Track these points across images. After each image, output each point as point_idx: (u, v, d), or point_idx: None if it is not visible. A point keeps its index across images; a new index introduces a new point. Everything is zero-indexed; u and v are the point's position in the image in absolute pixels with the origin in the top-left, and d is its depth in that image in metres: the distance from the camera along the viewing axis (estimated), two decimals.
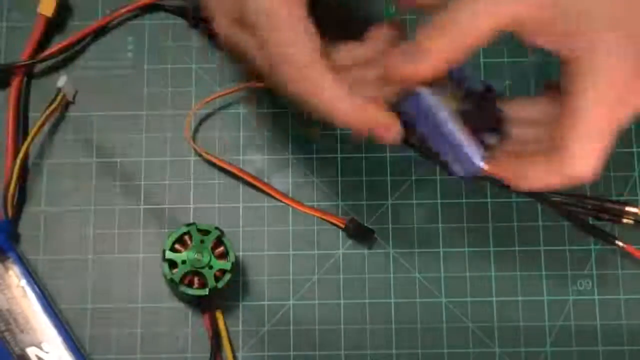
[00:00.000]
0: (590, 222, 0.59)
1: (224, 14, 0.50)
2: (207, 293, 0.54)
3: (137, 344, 0.57)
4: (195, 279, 0.55)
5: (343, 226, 0.58)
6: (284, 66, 0.47)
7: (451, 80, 0.47)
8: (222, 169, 0.59)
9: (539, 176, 0.46)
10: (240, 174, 0.59)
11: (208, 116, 0.61)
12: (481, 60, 0.61)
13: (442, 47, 0.45)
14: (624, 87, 0.45)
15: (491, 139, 0.47)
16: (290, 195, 0.59)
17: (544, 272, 0.59)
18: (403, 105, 0.47)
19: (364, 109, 0.47)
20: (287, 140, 0.60)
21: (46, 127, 0.59)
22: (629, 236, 0.59)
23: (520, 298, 0.58)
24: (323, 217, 0.59)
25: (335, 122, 0.47)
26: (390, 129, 0.47)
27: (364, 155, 0.60)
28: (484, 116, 0.48)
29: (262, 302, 0.58)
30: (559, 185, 0.46)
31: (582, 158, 0.45)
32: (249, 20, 0.48)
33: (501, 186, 0.49)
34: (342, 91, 0.47)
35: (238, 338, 0.57)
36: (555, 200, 0.59)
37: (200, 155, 0.60)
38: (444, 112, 0.46)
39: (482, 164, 0.47)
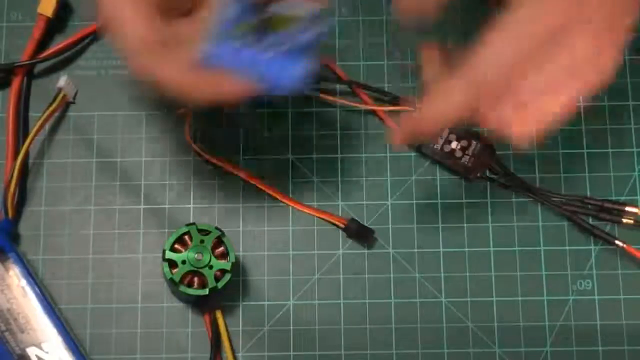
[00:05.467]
0: (590, 222, 0.59)
1: None
2: (207, 293, 0.54)
3: (137, 344, 0.57)
4: (195, 279, 0.55)
5: (343, 226, 0.59)
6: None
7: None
8: (222, 169, 0.59)
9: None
10: (240, 174, 0.59)
11: (208, 116, 0.61)
12: None
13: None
14: None
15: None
16: (290, 195, 0.59)
17: (544, 272, 0.59)
18: (209, 59, 0.47)
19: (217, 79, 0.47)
20: (287, 140, 0.60)
21: (46, 127, 0.59)
22: (629, 236, 0.59)
23: (520, 298, 0.58)
24: (323, 217, 0.59)
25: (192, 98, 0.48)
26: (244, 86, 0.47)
27: (364, 155, 0.60)
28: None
29: (262, 302, 0.58)
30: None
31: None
32: None
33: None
34: (184, 69, 0.47)
35: (238, 338, 0.57)
36: (555, 200, 0.59)
37: (200, 156, 0.60)
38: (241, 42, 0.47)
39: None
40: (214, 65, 0.47)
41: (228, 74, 0.47)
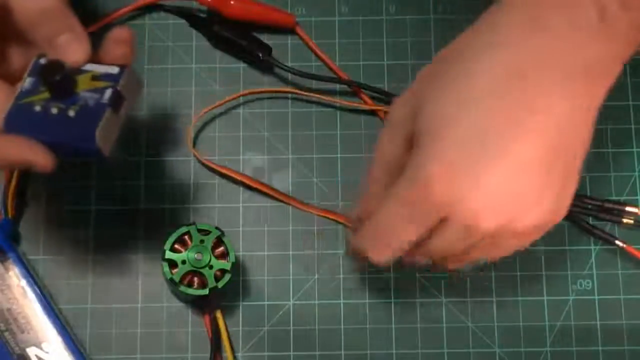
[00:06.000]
0: (590, 222, 0.59)
1: None
2: (207, 293, 0.54)
3: (137, 344, 0.57)
4: (195, 279, 0.55)
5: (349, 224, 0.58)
6: None
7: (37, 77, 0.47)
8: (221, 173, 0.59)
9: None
10: (239, 177, 0.59)
11: (208, 116, 0.61)
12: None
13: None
14: None
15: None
16: (290, 195, 0.59)
17: (544, 272, 0.59)
18: (10, 125, 0.47)
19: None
20: (287, 140, 0.60)
21: None
22: (629, 236, 0.59)
23: (520, 298, 0.58)
24: (328, 215, 0.59)
25: None
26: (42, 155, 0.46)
27: (364, 155, 0.60)
28: (62, 88, 0.47)
29: (262, 302, 0.58)
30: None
31: None
32: None
33: None
34: None
35: (238, 338, 0.57)
36: None
37: (199, 161, 0.60)
38: (37, 107, 0.47)
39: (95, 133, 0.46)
40: (15, 130, 0.46)
41: (30, 141, 0.46)
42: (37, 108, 0.47)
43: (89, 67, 0.48)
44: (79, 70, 0.47)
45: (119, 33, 0.49)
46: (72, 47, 0.47)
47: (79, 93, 0.47)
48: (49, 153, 0.46)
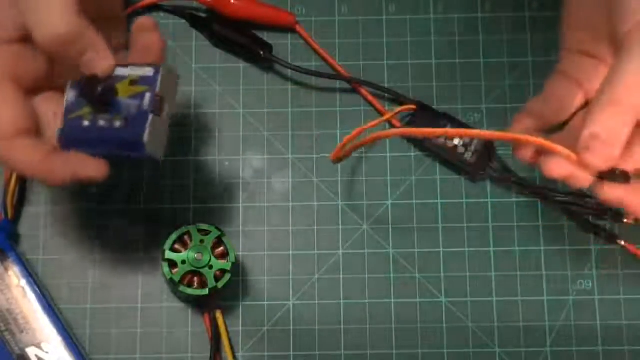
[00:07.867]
0: (591, 221, 0.59)
1: None
2: (207, 293, 0.54)
3: (137, 344, 0.57)
4: (195, 279, 0.55)
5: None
6: None
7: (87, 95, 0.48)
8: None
9: None
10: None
11: (209, 116, 0.61)
12: (481, 60, 0.61)
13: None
14: None
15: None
16: (290, 195, 0.59)
17: (544, 272, 0.59)
18: (66, 143, 0.48)
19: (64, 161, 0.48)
20: (287, 140, 0.60)
21: None
22: (629, 235, 0.59)
23: (520, 298, 0.58)
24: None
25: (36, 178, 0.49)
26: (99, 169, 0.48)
27: (364, 155, 0.60)
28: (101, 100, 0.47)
29: (262, 302, 0.58)
30: None
31: None
32: None
33: None
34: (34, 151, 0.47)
35: (238, 338, 0.57)
36: (556, 200, 0.59)
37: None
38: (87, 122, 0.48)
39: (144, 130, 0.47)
40: (71, 147, 0.48)
41: (82, 155, 0.47)
42: (86, 123, 0.47)
43: (124, 71, 0.48)
44: (116, 78, 0.48)
45: (141, 22, 0.50)
46: (95, 64, 0.47)
47: (120, 101, 0.47)
48: (101, 164, 0.48)
